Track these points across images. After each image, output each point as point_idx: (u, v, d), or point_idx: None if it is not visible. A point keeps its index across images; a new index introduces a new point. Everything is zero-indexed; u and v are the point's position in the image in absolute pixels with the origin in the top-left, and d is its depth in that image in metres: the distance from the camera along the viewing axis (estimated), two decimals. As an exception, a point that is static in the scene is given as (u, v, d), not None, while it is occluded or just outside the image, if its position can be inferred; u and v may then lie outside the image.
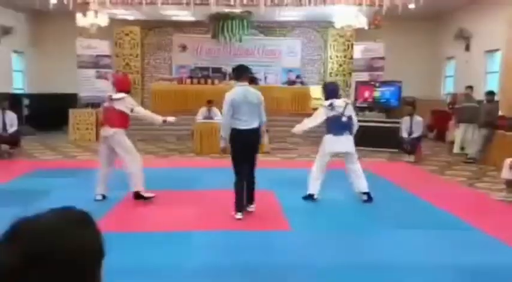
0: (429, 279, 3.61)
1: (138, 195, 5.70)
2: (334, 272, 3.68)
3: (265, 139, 9.66)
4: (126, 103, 5.73)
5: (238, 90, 5.12)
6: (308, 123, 5.97)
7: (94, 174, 7.40)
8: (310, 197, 5.84)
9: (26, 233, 0.75)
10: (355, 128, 5.93)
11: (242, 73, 5.28)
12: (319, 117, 5.88)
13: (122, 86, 5.97)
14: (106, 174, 5.86)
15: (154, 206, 5.58)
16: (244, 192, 5.18)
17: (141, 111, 6.00)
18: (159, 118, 6.05)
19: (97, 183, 5.83)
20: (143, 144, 11.31)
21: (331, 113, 5.77)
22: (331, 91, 5.98)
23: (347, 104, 5.93)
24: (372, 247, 4.29)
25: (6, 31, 13.51)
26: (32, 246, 0.73)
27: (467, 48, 12.96)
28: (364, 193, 5.84)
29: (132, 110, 5.80)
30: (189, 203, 5.78)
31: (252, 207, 5.31)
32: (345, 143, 5.79)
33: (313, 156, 9.90)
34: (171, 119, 6.08)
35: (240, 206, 5.08)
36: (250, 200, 5.30)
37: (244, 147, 5.11)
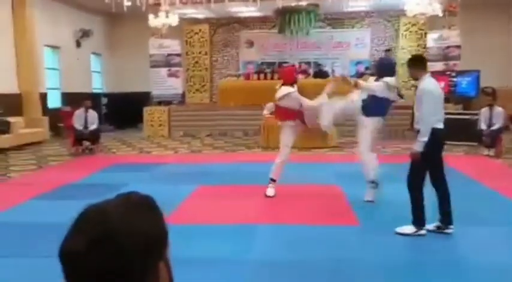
0: (502, 278, 3.37)
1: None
2: (404, 270, 3.54)
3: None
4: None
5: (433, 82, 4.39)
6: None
7: (167, 168, 7.67)
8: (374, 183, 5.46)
9: (90, 219, 0.78)
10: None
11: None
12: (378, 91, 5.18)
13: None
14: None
15: (223, 200, 5.69)
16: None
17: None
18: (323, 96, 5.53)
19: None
20: (211, 139, 11.59)
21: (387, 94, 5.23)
22: (386, 67, 5.53)
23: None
24: (446, 245, 4.08)
25: (86, 34, 14.41)
26: (95, 230, 0.75)
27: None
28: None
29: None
30: (255, 196, 5.82)
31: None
32: None
33: (382, 150, 9.65)
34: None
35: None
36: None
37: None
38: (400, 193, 5.75)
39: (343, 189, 6.01)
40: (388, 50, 12.56)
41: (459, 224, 4.60)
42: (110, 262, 0.74)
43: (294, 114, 5.59)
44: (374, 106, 5.26)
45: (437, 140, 4.23)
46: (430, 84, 4.28)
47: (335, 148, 9.59)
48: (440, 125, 4.27)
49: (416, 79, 4.41)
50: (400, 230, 4.24)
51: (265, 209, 5.30)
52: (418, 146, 4.13)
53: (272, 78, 12.95)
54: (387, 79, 5.28)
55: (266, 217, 4.98)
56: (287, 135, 5.72)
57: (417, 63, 4.39)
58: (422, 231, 4.21)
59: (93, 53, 15.45)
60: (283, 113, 5.69)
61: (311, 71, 13.92)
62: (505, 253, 3.84)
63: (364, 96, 5.31)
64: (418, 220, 4.21)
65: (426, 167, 4.24)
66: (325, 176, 6.81)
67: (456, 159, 8.57)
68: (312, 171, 7.14)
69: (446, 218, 4.26)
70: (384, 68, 5.57)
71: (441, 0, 11.27)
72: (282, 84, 5.70)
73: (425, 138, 4.10)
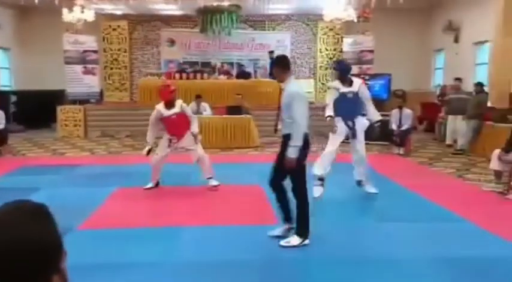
0: (418, 272, 3.60)
1: None
2: (323, 267, 3.65)
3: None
4: None
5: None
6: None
7: (82, 170, 7.31)
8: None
9: None
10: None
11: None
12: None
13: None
14: None
15: (144, 202, 5.53)
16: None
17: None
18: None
19: None
20: (131, 140, 11.23)
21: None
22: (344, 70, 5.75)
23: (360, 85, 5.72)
24: (361, 241, 4.27)
25: (-8, 27, 13.32)
26: None
27: (456, 40, 12.98)
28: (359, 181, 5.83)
29: None
30: (178, 198, 5.73)
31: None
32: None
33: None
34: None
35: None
36: None
37: None
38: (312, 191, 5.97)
39: (264, 189, 6.08)
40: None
41: (372, 220, 4.85)
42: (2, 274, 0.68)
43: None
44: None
45: (307, 145, 4.05)
46: (298, 87, 4.23)
47: (257, 148, 9.71)
48: (306, 130, 4.07)
49: (281, 81, 4.19)
50: (285, 243, 4.00)
51: (187, 210, 5.22)
52: (292, 152, 3.89)
53: (195, 78, 12.84)
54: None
55: (189, 219, 4.91)
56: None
57: (282, 64, 4.18)
58: (307, 241, 4.02)
59: (1, 48, 14.32)
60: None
61: (234, 71, 14.00)
62: (412, 246, 4.10)
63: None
64: (306, 230, 4.04)
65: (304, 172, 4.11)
66: (247, 176, 6.86)
67: (369, 157, 9.04)
68: (234, 172, 7.16)
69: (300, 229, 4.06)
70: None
71: (356, 6, 11.83)
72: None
73: (300, 143, 3.91)
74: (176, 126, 5.97)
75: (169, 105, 5.94)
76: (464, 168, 7.94)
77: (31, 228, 0.74)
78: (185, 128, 5.98)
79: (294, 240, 4.03)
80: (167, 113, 5.93)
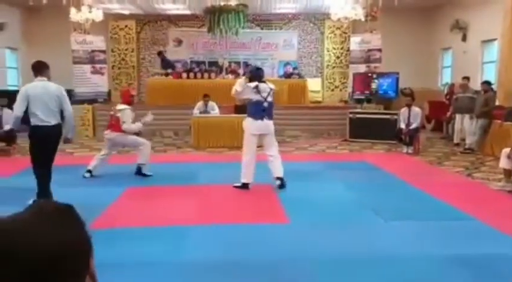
0: (427, 270, 3.60)
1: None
2: (331, 266, 3.66)
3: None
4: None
5: None
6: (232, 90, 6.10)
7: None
8: (245, 186, 5.98)
9: None
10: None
11: None
12: (238, 86, 5.99)
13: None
14: None
15: (153, 201, 5.56)
16: None
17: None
18: (139, 124, 7.07)
19: None
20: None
21: (255, 97, 5.94)
22: (255, 74, 6.16)
23: (271, 89, 6.09)
24: (371, 239, 4.27)
25: (0, 27, 13.41)
26: None
27: (464, 38, 12.91)
28: (278, 178, 6.03)
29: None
30: (187, 197, 5.75)
31: None
32: (266, 125, 6.06)
33: (311, 149, 9.96)
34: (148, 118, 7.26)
35: None
36: None
37: None
38: (326, 190, 5.99)
39: (273, 188, 6.10)
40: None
41: (381, 219, 4.85)
42: (14, 280, 0.67)
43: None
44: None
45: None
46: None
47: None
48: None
49: None
50: None
51: (196, 209, 5.25)
52: None
53: (202, 77, 12.87)
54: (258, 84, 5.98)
55: (198, 218, 4.93)
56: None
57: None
58: None
59: (8, 48, 14.42)
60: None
61: (241, 71, 14.01)
62: (420, 244, 4.10)
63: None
64: None
65: None
66: (256, 175, 6.87)
67: (377, 156, 9.05)
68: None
69: None
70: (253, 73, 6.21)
71: (364, 5, 11.81)
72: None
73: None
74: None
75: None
76: (473, 167, 7.91)
77: (56, 231, 0.72)
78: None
79: None
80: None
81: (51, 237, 0.71)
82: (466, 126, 9.75)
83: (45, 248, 0.69)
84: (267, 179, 6.26)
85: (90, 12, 11.80)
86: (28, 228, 0.70)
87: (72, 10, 11.62)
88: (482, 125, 9.29)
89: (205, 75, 12.96)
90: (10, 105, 9.58)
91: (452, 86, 12.28)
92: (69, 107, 5.44)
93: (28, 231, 0.70)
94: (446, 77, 14.55)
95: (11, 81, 14.59)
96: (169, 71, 13.08)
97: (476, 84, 10.48)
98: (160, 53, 13.87)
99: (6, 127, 9.12)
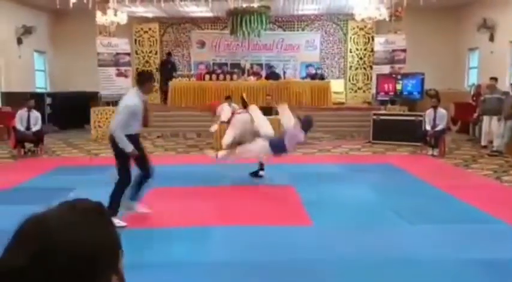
0: (455, 274, 3.51)
1: None
2: (356, 268, 3.61)
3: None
4: None
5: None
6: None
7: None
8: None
9: (32, 231, 0.71)
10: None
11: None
12: None
13: None
14: None
15: (177, 202, 5.59)
16: None
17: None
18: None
19: None
20: (162, 141, 11.38)
21: None
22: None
23: None
24: (395, 242, 4.19)
25: (28, 31, 13.74)
26: (36, 245, 0.69)
27: (491, 38, 12.62)
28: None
29: None
30: (209, 199, 5.76)
31: None
32: None
33: (334, 151, 9.87)
34: None
35: None
36: None
37: None
38: (349, 193, 5.92)
39: (296, 189, 6.07)
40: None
41: (406, 222, 4.76)
42: (52, 278, 0.68)
43: None
44: None
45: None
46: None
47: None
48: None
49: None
50: None
51: (220, 210, 5.25)
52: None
53: (224, 79, 12.92)
54: None
55: (221, 219, 4.93)
56: None
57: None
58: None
59: (37, 51, 14.77)
60: None
61: (263, 72, 14.01)
62: (448, 248, 4.00)
63: None
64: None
65: None
66: (278, 177, 6.85)
67: (402, 158, 8.90)
68: (265, 172, 7.14)
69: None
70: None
71: (388, 5, 11.66)
72: None
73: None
74: None
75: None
76: (502, 170, 7.71)
77: (90, 229, 0.74)
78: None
79: None
80: None
81: (88, 237, 0.72)
82: (493, 128, 9.52)
83: (82, 248, 0.71)
84: (288, 181, 6.23)
85: (115, 15, 11.98)
86: (66, 227, 0.72)
87: (98, 13, 11.83)
88: (511, 127, 9.05)
89: (228, 77, 13.01)
90: (36, 107, 9.82)
91: (478, 87, 12.01)
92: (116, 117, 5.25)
93: (66, 231, 0.71)
94: (472, 78, 14.25)
95: (39, 83, 14.94)
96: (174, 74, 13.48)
97: (503, 86, 10.23)
98: (169, 54, 14.04)
99: (35, 128, 9.34)
